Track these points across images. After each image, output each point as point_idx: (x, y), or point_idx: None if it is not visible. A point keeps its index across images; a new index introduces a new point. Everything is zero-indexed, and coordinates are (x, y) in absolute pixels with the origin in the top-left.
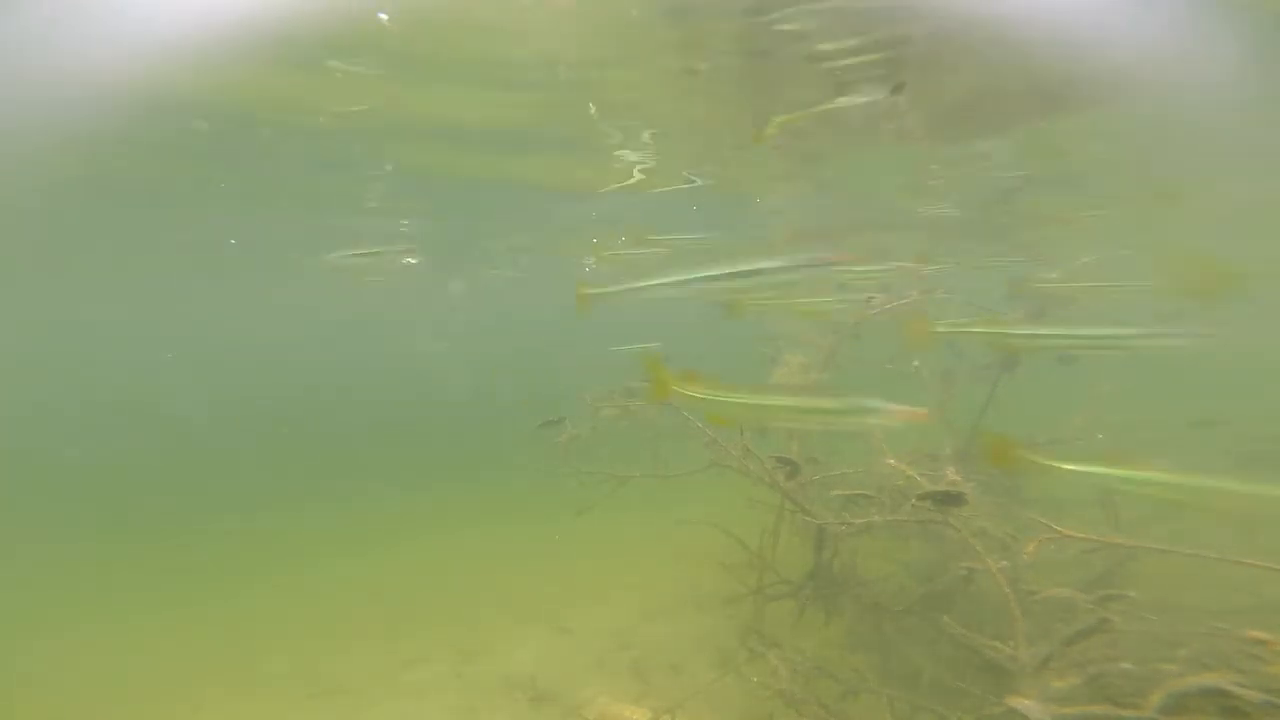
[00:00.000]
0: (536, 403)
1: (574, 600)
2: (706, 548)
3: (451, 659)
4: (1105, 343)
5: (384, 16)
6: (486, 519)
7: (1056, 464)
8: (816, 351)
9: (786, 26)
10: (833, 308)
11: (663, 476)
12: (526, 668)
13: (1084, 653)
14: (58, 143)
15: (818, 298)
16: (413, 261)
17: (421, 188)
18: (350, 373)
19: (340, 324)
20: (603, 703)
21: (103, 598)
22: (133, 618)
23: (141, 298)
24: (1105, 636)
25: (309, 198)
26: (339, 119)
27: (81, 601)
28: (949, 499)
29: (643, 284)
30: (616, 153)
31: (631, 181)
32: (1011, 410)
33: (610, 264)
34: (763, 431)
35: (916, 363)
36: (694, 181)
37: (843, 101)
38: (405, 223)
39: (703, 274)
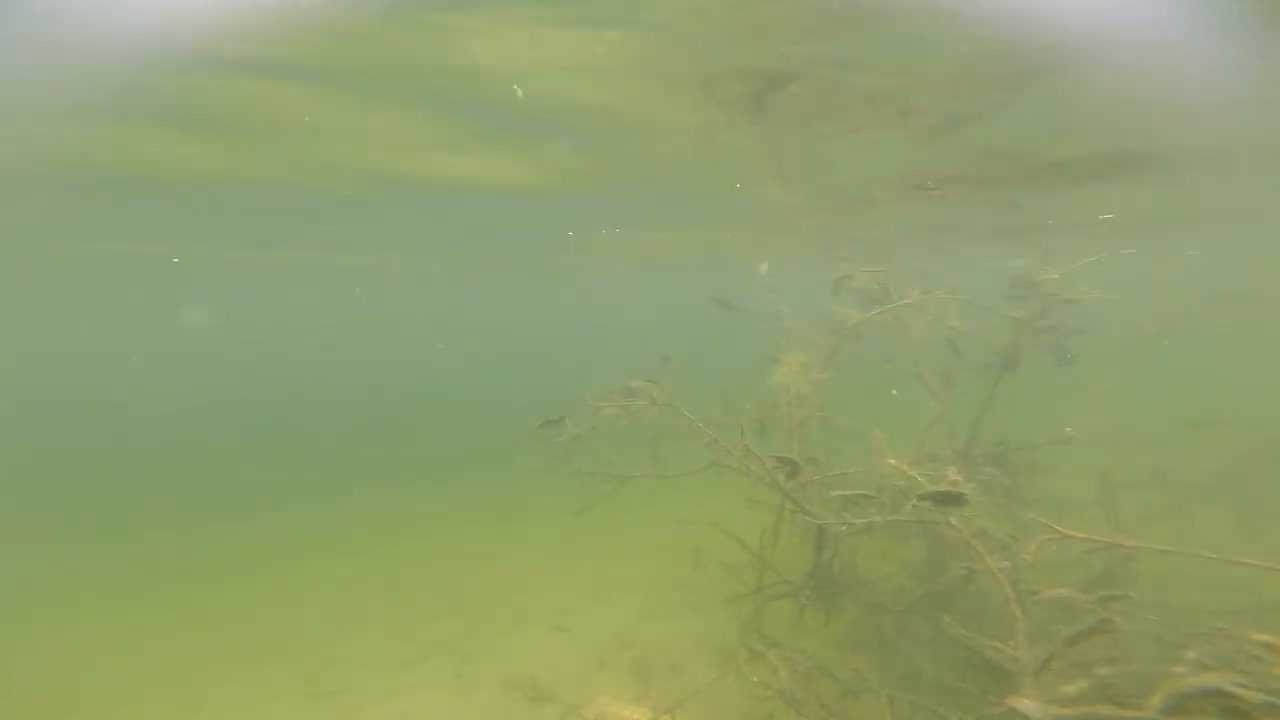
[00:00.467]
0: (538, 403)
1: (574, 600)
2: (707, 548)
3: (451, 659)
4: None
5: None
6: (486, 519)
7: None
8: (817, 351)
9: None
10: None
11: (663, 476)
12: (526, 668)
13: (1086, 654)
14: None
15: None
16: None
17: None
18: (350, 373)
19: (339, 325)
20: (603, 703)
21: (103, 598)
22: (133, 617)
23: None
24: (1106, 637)
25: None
26: None
27: (81, 601)
28: (949, 499)
29: None
30: None
31: None
32: (1011, 410)
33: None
34: (763, 431)
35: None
36: None
37: None
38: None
39: None
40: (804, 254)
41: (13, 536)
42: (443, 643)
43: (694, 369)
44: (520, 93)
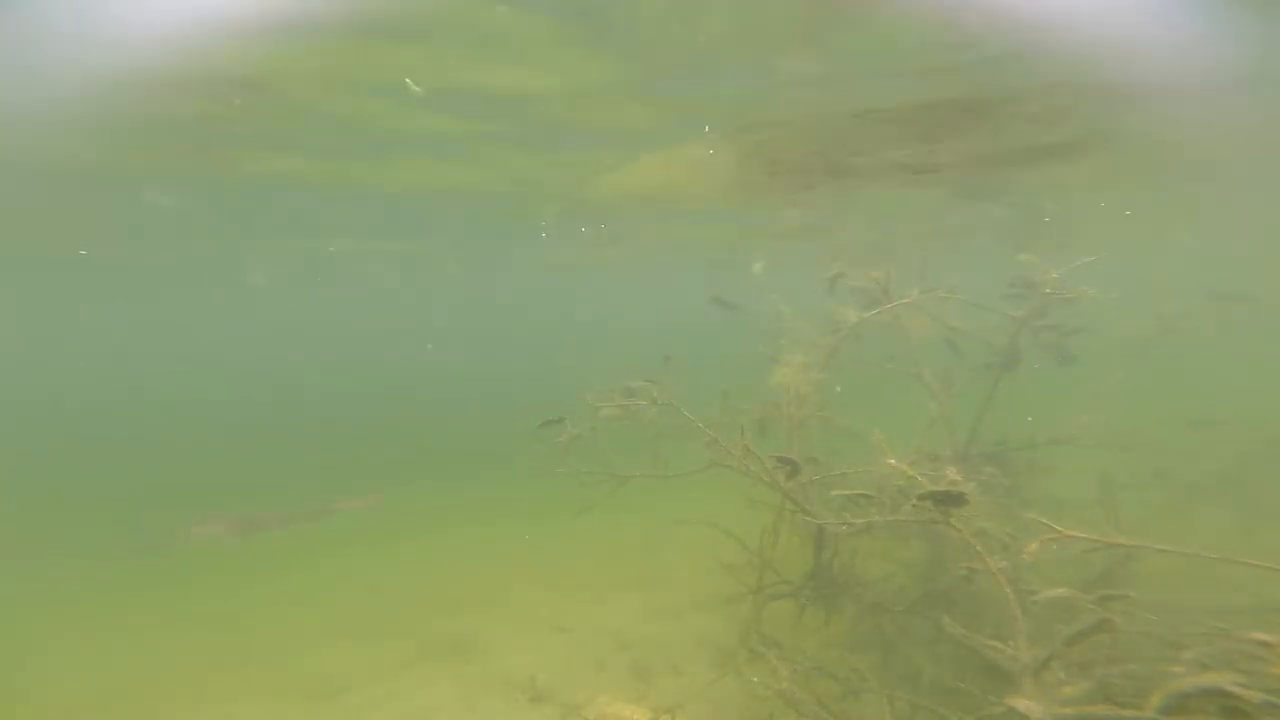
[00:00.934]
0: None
1: (574, 600)
2: (707, 548)
3: (451, 659)
4: None
5: None
6: (486, 519)
7: None
8: (817, 351)
9: None
10: None
11: (663, 476)
12: (526, 668)
13: (1086, 654)
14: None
15: None
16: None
17: None
18: (350, 373)
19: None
20: (603, 703)
21: (102, 600)
22: (132, 619)
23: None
24: (1106, 637)
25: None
26: None
27: (81, 604)
28: (949, 499)
29: None
30: None
31: None
32: (1011, 410)
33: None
34: (763, 431)
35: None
36: None
37: None
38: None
39: None
40: (801, 251)
41: (13, 536)
42: (443, 643)
43: (694, 369)
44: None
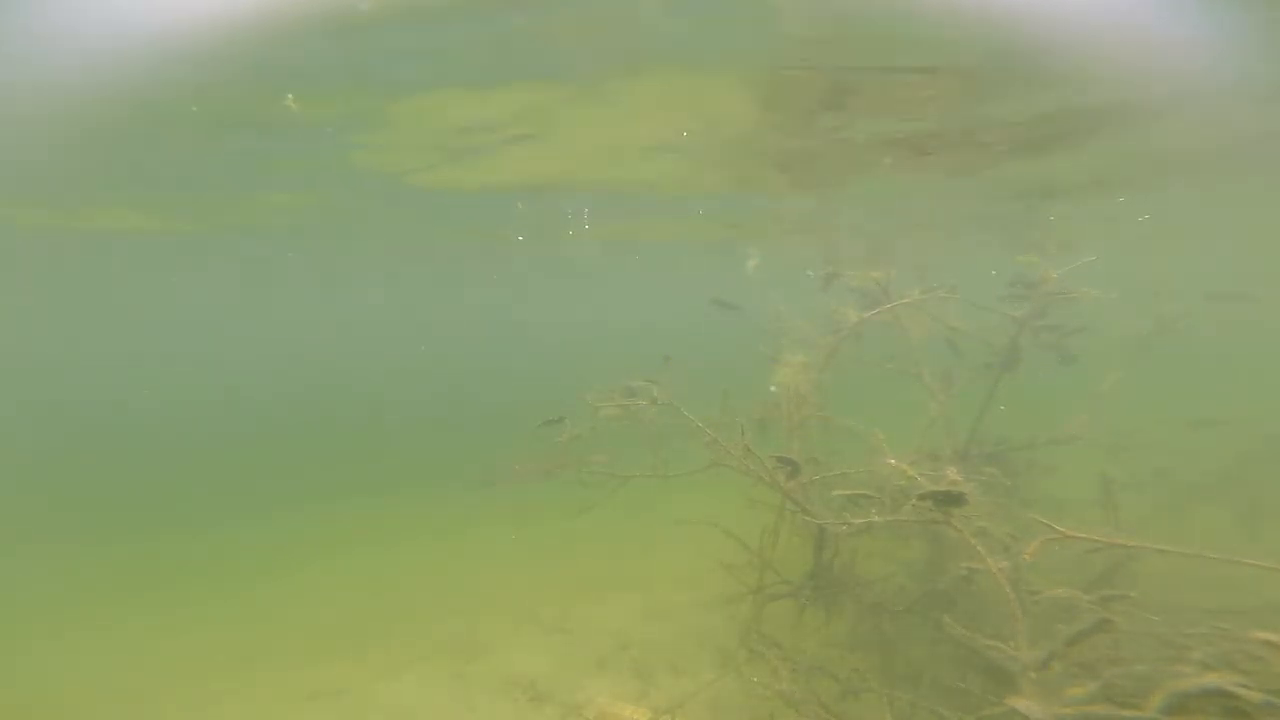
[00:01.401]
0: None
1: (574, 600)
2: (707, 547)
3: (451, 659)
4: None
5: None
6: (486, 519)
7: None
8: (817, 351)
9: None
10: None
11: (663, 476)
12: (526, 668)
13: (1086, 654)
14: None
15: None
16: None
17: None
18: (351, 374)
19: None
20: (603, 703)
21: (101, 599)
22: (133, 618)
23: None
24: (1106, 637)
25: None
26: None
27: (81, 603)
28: (949, 499)
29: None
30: None
31: None
32: (1011, 410)
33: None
34: (763, 431)
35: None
36: None
37: None
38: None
39: None
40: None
41: (11, 537)
42: (443, 643)
43: (694, 369)
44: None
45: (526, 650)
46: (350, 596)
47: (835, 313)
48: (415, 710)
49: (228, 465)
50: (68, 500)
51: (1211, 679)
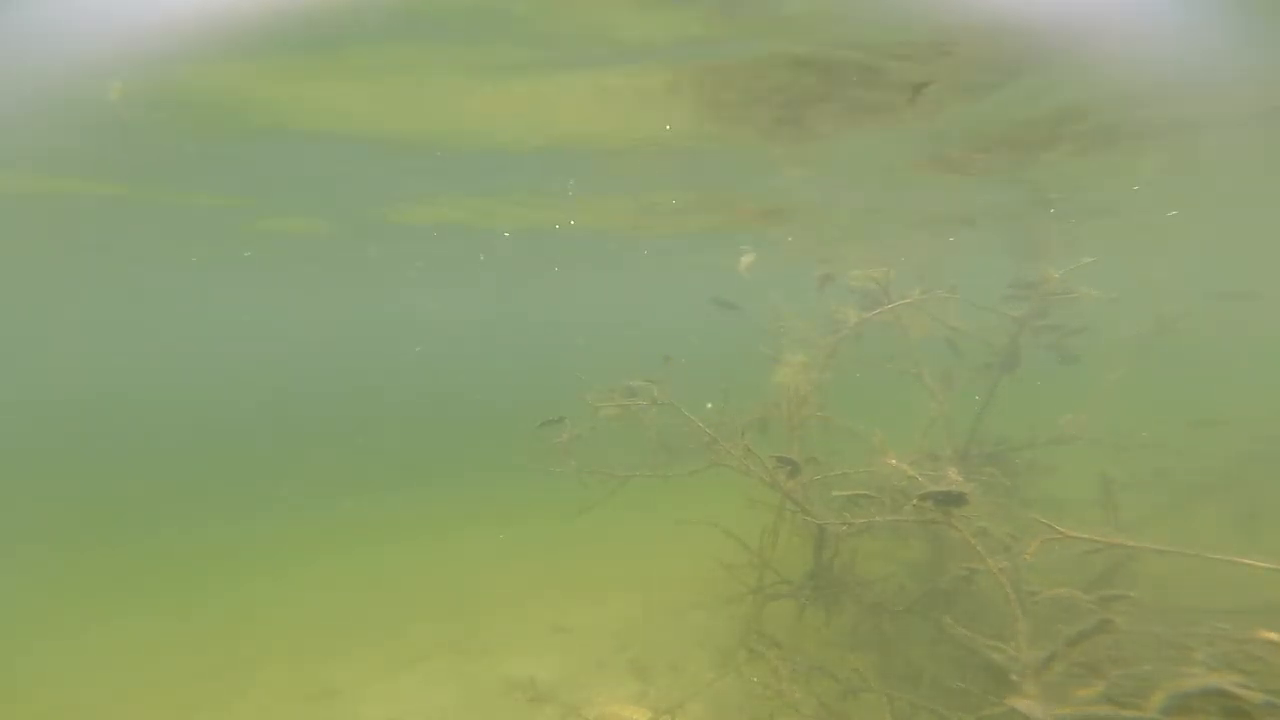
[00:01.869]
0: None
1: (574, 600)
2: (707, 547)
3: (451, 659)
4: None
5: None
6: (486, 519)
7: None
8: (818, 351)
9: None
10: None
11: (663, 476)
12: (526, 668)
13: (1086, 654)
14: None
15: None
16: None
17: None
18: (351, 373)
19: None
20: (603, 703)
21: (100, 598)
22: (131, 617)
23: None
24: (1106, 637)
25: None
26: None
27: (79, 603)
28: (949, 499)
29: None
30: None
31: None
32: (1011, 410)
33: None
34: (763, 431)
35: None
36: None
37: None
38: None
39: None
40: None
41: (11, 536)
42: (443, 643)
43: (694, 369)
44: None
45: (526, 650)
46: (350, 596)
47: (835, 312)
48: (415, 710)
49: (225, 464)
50: (45, 501)
51: (1212, 679)
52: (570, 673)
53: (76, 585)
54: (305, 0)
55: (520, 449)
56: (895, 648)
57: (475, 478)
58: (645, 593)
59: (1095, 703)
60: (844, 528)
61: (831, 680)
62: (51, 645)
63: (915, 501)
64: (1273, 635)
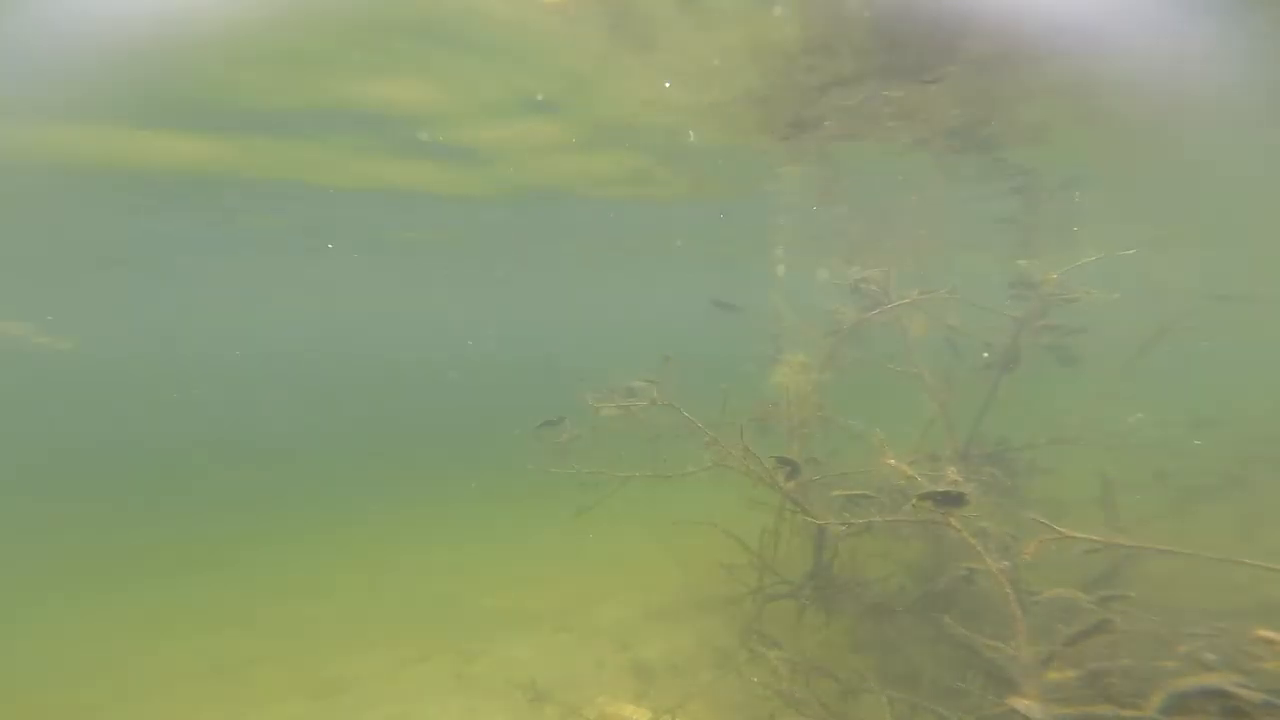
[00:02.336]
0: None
1: (574, 600)
2: (707, 548)
3: (451, 659)
4: None
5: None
6: (486, 519)
7: None
8: (817, 351)
9: None
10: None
11: (663, 476)
12: (526, 668)
13: (1086, 654)
14: None
15: None
16: None
17: None
18: (352, 373)
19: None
20: (603, 703)
21: (101, 595)
22: (132, 616)
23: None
24: (1106, 637)
25: None
26: None
27: (80, 599)
28: (949, 499)
29: None
30: None
31: None
32: (1011, 410)
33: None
34: (763, 431)
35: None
36: None
37: None
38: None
39: None
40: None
41: (12, 535)
42: (443, 643)
43: (694, 369)
44: None
45: (526, 650)
46: (349, 596)
47: (836, 312)
48: (415, 710)
49: (225, 464)
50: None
51: (1211, 679)
52: (570, 673)
53: (76, 583)
54: None
55: (521, 449)
56: (895, 648)
57: (475, 478)
58: (646, 593)
59: (1083, 698)
60: (844, 528)
61: (831, 680)
62: (49, 644)
63: (915, 502)
64: (1269, 633)
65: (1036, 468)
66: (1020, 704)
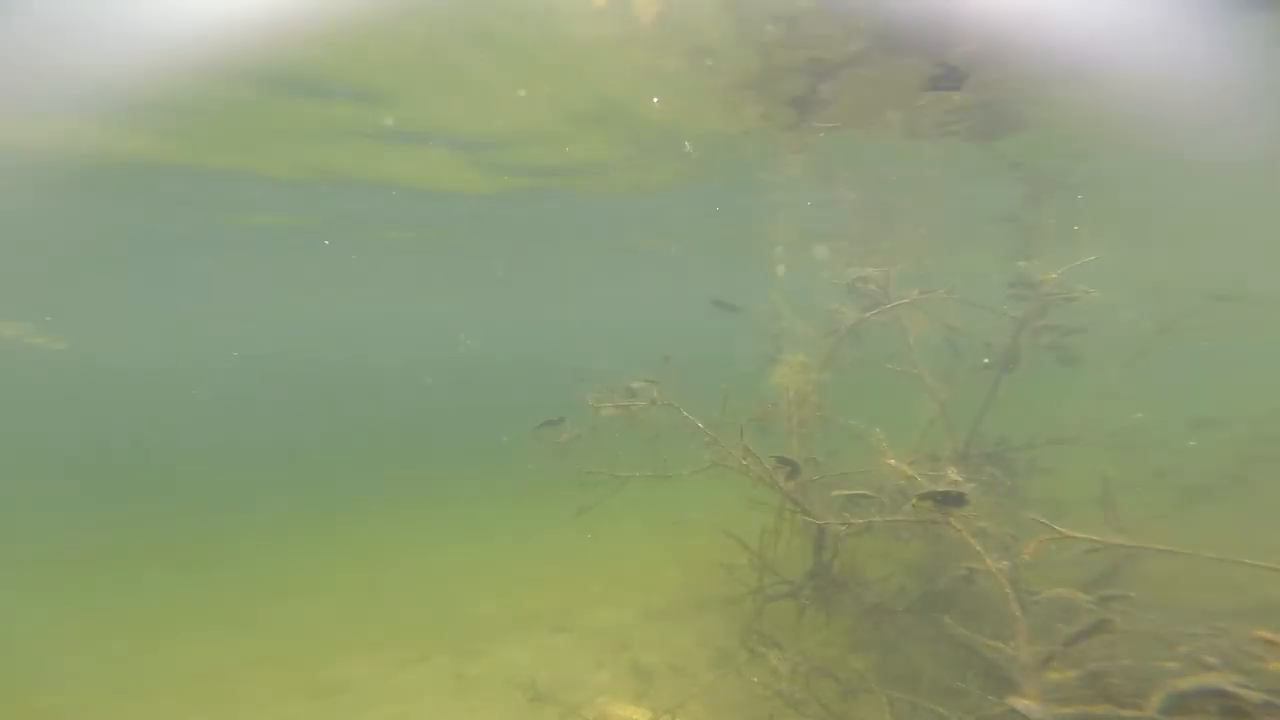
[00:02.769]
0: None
1: (574, 600)
2: (707, 548)
3: (452, 659)
4: None
5: None
6: (486, 519)
7: None
8: (817, 351)
9: None
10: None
11: (663, 476)
12: (526, 668)
13: (1086, 653)
14: None
15: None
16: None
17: None
18: (353, 373)
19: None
20: (603, 703)
21: (100, 596)
22: (132, 616)
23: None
24: (1106, 637)
25: None
26: None
27: (79, 599)
28: (949, 499)
29: None
30: None
31: None
32: (1011, 410)
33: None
34: (763, 431)
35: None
36: None
37: None
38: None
39: None
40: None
41: (13, 534)
42: (443, 643)
43: (694, 369)
44: None
45: (526, 650)
46: (349, 596)
47: (835, 312)
48: (415, 710)
49: (223, 463)
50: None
51: (1211, 679)
52: (570, 673)
53: (77, 582)
54: None
55: (521, 449)
56: (895, 648)
57: (475, 478)
58: (646, 593)
59: (1083, 698)
60: (844, 528)
61: (831, 680)
62: (48, 643)
63: (915, 501)
64: (1267, 634)
65: (1036, 467)
66: (1020, 704)
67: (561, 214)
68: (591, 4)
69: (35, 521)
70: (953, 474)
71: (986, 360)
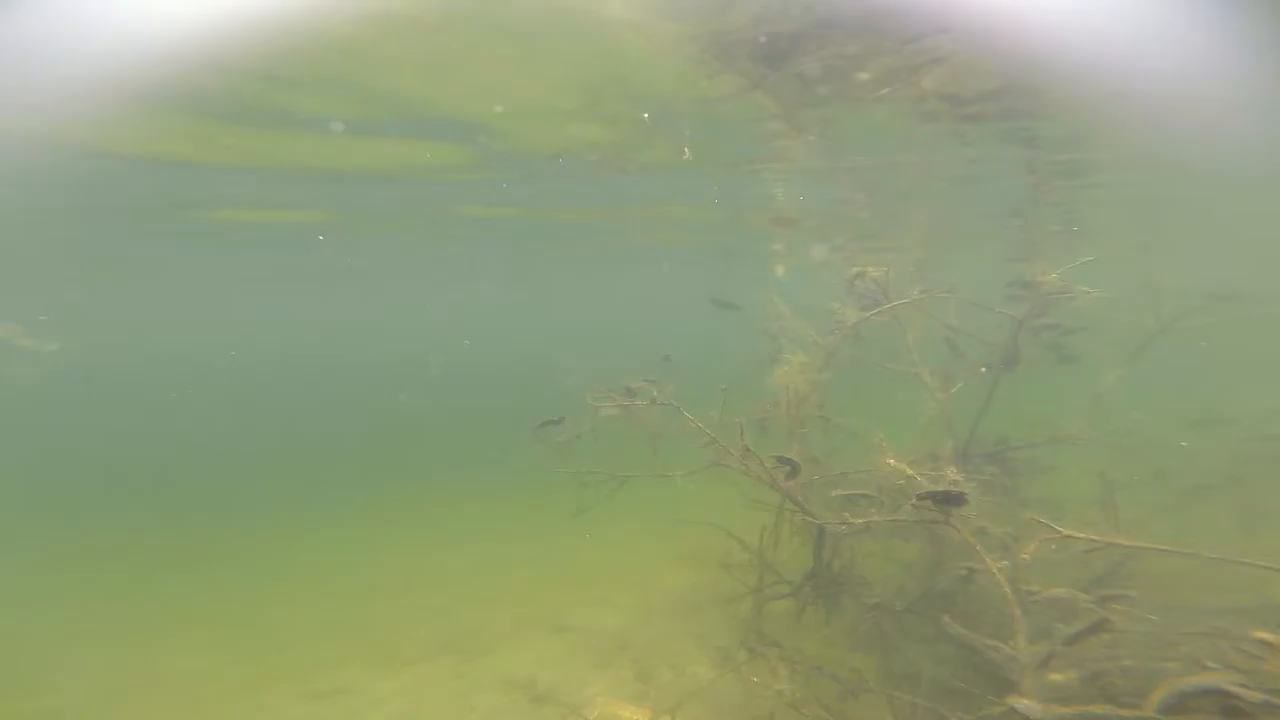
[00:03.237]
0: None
1: (574, 600)
2: (707, 547)
3: (451, 659)
4: None
5: None
6: (486, 519)
7: None
8: (817, 351)
9: None
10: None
11: (663, 476)
12: (526, 668)
13: (1085, 653)
14: None
15: None
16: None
17: None
18: (353, 373)
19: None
20: (603, 703)
21: (99, 596)
22: (132, 616)
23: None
24: (1105, 636)
25: None
26: None
27: (78, 600)
28: (949, 499)
29: None
30: None
31: None
32: (1011, 410)
33: None
34: (763, 431)
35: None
36: None
37: None
38: None
39: None
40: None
41: (14, 533)
42: (443, 643)
43: (694, 369)
44: None
45: (526, 650)
46: (350, 596)
47: (835, 311)
48: (415, 711)
49: (227, 463)
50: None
51: (1211, 678)
52: (570, 673)
53: (77, 581)
54: None
55: (521, 449)
56: (895, 648)
57: (475, 477)
58: (645, 593)
59: (1083, 697)
60: (843, 528)
61: (831, 680)
62: (49, 644)
63: (915, 501)
64: (1266, 636)
65: (1036, 467)
66: (1020, 704)
67: (560, 208)
68: None
69: (32, 524)
70: (952, 474)
71: (984, 370)
